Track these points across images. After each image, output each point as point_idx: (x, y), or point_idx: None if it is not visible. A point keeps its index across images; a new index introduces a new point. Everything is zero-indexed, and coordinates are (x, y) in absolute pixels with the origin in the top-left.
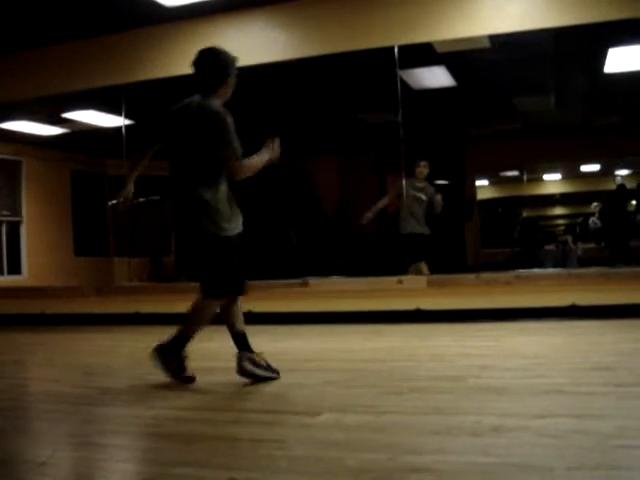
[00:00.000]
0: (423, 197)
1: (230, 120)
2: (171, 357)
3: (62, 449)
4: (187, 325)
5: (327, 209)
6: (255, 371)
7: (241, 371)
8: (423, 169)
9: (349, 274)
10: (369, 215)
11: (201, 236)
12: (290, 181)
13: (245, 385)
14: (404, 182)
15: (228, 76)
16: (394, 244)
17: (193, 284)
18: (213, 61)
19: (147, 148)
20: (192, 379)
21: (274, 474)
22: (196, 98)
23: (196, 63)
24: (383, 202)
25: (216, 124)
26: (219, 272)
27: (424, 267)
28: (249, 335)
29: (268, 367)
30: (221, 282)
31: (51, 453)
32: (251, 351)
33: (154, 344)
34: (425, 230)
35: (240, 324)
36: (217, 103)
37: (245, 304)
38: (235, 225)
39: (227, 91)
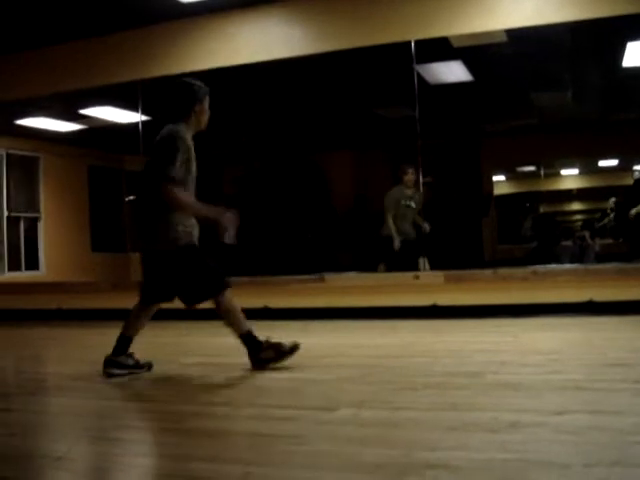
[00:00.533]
0: (413, 205)
1: (180, 144)
2: (265, 352)
3: (79, 444)
4: (235, 327)
5: (341, 204)
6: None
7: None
8: (411, 176)
9: (363, 270)
10: (397, 243)
11: (163, 255)
12: (305, 177)
13: (262, 380)
14: (394, 190)
15: (195, 104)
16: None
17: None
18: (179, 91)
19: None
20: (296, 346)
21: (290, 469)
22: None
23: (164, 94)
24: (390, 223)
25: (163, 142)
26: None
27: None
28: (266, 330)
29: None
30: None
31: (68, 448)
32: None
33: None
34: (413, 234)
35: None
36: (180, 128)
37: (261, 299)
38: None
39: (200, 119)
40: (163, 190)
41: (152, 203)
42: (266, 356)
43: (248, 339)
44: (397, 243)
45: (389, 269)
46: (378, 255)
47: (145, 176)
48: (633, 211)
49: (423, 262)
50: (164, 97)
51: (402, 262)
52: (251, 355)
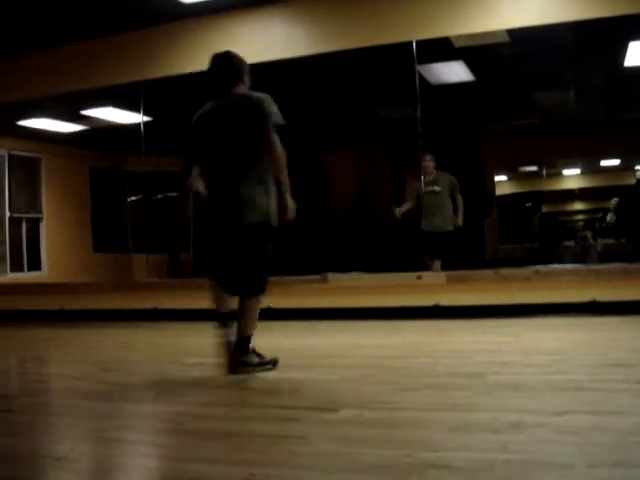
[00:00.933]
0: (437, 189)
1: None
2: (250, 356)
3: (81, 444)
4: (246, 325)
5: (343, 204)
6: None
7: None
8: (428, 162)
9: (368, 270)
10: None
11: (259, 228)
12: (306, 176)
13: (264, 381)
14: (418, 183)
15: (244, 74)
16: (414, 240)
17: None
18: (230, 61)
19: (191, 168)
20: (276, 360)
21: (293, 470)
22: (217, 100)
23: (213, 65)
24: (406, 207)
25: (265, 102)
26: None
27: (438, 265)
28: (270, 330)
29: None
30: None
31: (69, 448)
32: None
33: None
34: (445, 226)
35: None
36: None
37: (264, 300)
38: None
39: (244, 88)
40: (277, 145)
41: (253, 173)
42: (249, 360)
43: (244, 342)
44: (397, 212)
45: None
46: (422, 250)
47: (240, 141)
48: None
49: (435, 265)
50: (215, 66)
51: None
52: (236, 355)
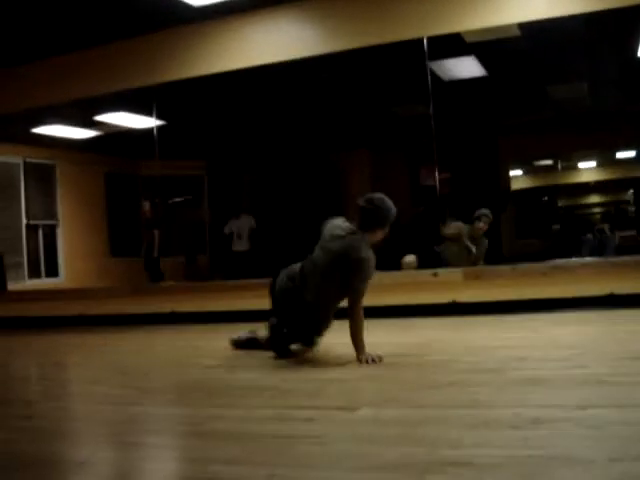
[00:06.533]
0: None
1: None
2: None
3: (101, 449)
4: None
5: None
6: None
7: None
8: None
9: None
10: None
11: None
12: (319, 177)
13: (283, 382)
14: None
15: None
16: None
17: (229, 283)
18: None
19: None
20: None
21: (313, 470)
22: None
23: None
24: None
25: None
26: None
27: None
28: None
29: None
30: None
31: (91, 453)
32: None
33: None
34: None
35: None
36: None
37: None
38: None
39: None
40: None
41: None
42: None
43: None
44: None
45: None
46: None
47: None
48: None
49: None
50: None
51: None
52: None
